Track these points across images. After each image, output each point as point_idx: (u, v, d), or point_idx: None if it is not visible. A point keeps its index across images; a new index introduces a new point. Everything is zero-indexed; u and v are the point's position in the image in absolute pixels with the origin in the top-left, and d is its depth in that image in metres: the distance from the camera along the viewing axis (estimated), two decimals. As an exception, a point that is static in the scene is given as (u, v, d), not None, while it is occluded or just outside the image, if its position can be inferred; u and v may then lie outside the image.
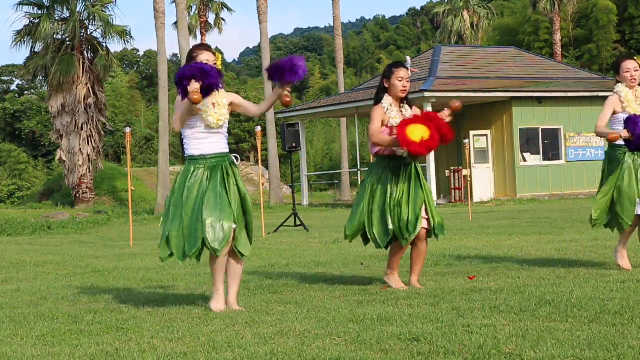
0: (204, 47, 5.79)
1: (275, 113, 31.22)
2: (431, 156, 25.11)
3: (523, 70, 29.81)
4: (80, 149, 33.39)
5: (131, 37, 34.74)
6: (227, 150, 5.73)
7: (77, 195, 33.86)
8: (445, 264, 7.91)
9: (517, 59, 31.24)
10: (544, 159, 26.89)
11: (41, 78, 35.61)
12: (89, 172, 33.90)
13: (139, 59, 74.00)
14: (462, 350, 3.91)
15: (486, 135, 26.72)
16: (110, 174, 39.66)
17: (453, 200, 26.27)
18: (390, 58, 72.91)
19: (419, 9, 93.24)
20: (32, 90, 63.62)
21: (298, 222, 15.56)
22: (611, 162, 7.06)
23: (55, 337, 4.76)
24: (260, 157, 15.76)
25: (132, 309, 5.76)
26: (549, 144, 27.04)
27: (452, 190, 26.54)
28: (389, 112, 6.42)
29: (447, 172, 26.77)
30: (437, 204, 25.19)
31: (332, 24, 39.90)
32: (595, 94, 26.58)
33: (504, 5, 61.21)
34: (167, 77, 27.55)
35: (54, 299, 6.61)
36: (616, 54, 48.40)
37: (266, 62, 30.81)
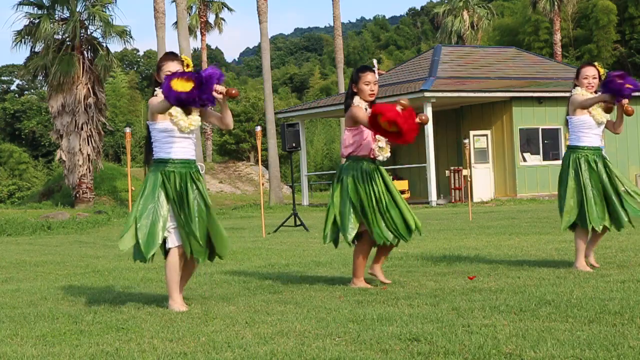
0: (172, 56, 5.77)
1: (276, 113, 31.17)
2: (431, 156, 25.11)
3: (523, 70, 29.81)
4: (80, 149, 33.34)
5: (131, 37, 34.71)
6: (194, 157, 5.81)
7: (77, 195, 33.82)
8: (445, 264, 7.91)
9: (517, 59, 31.24)
10: (544, 159, 26.88)
11: (41, 78, 35.54)
12: (89, 172, 33.85)
13: (139, 59, 74.04)
14: (462, 350, 3.91)
15: (486, 135, 26.72)
16: (110, 174, 39.62)
17: (453, 200, 26.27)
18: (390, 58, 72.92)
19: (419, 9, 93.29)
20: (32, 90, 63.66)
21: (298, 222, 15.56)
22: (576, 167, 7.02)
23: (55, 337, 4.76)
24: (260, 157, 15.74)
25: (132, 309, 5.76)
26: (549, 144, 27.04)
27: (452, 190, 26.54)
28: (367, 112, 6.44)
29: (447, 172, 26.77)
30: (437, 204, 25.24)
31: (332, 24, 39.90)
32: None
33: (504, 5, 61.18)
34: (167, 77, 27.44)
35: (54, 299, 6.61)
36: (616, 54, 48.42)
37: (266, 62, 30.80)
